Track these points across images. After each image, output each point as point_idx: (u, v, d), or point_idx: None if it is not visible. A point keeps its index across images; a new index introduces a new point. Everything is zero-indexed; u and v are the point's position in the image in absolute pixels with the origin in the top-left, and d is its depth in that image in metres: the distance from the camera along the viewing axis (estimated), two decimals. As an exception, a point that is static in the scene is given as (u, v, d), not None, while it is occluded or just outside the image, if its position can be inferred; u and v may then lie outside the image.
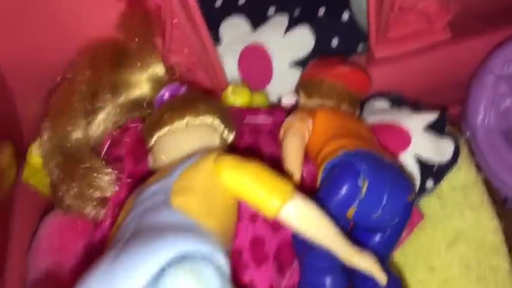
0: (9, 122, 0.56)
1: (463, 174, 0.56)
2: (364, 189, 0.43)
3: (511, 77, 0.61)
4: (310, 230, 0.39)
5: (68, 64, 0.51)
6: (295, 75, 0.65)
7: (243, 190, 0.38)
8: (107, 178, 0.47)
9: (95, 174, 0.47)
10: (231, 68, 0.64)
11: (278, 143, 0.52)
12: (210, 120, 0.47)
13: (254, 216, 0.47)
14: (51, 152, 0.49)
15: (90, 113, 0.50)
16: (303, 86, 0.59)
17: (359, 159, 0.44)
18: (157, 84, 0.51)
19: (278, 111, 0.57)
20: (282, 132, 0.51)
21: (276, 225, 0.47)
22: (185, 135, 0.46)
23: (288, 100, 0.62)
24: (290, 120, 0.51)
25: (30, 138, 0.56)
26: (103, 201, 0.47)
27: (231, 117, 0.50)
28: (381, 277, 0.40)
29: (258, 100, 0.62)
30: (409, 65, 0.64)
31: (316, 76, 0.58)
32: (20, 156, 0.56)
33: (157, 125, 0.46)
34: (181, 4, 0.49)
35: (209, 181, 0.38)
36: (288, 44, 0.65)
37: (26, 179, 0.55)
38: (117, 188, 0.47)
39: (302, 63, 0.65)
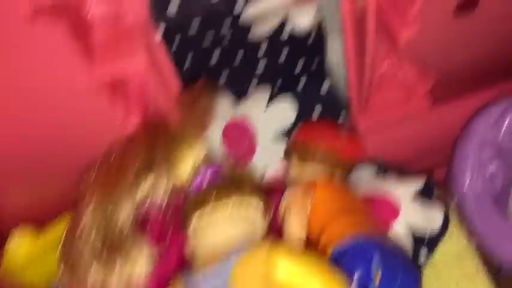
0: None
1: (455, 242, 0.55)
2: (377, 281, 0.42)
3: (494, 141, 0.62)
4: None
5: (115, 142, 0.50)
6: (279, 147, 0.65)
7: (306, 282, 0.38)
8: (139, 268, 0.46)
9: (131, 258, 0.46)
10: (215, 143, 0.64)
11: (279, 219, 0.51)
12: (256, 202, 0.47)
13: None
14: (93, 224, 0.47)
15: (139, 190, 0.49)
16: (295, 151, 0.59)
17: (372, 248, 0.43)
18: (198, 167, 0.51)
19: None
20: (283, 207, 0.50)
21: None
22: (229, 218, 0.45)
23: (277, 169, 0.62)
24: (291, 195, 0.50)
25: (10, 228, 0.54)
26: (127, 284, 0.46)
27: (271, 200, 0.50)
28: None
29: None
30: (392, 132, 0.65)
31: (311, 142, 0.58)
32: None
33: (201, 205, 0.46)
34: (160, 81, 0.49)
35: (265, 280, 0.38)
36: (270, 116, 0.65)
37: (5, 271, 0.53)
38: (148, 277, 0.46)
39: (285, 134, 0.65)
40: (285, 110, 0.65)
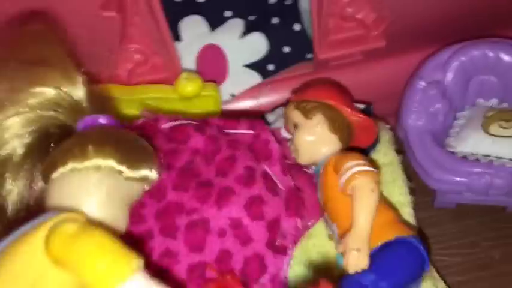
0: None
1: (382, 155, 0.61)
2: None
3: (439, 83, 0.67)
4: None
5: None
6: (248, 76, 0.72)
7: (79, 265, 0.32)
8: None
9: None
10: (189, 65, 0.71)
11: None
12: (99, 163, 0.40)
13: (222, 231, 0.51)
14: None
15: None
16: (321, 111, 0.58)
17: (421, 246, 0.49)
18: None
19: (259, 124, 0.60)
20: (349, 184, 0.49)
21: (245, 240, 0.51)
22: (76, 180, 0.40)
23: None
24: (358, 170, 0.50)
25: None
26: None
27: (148, 153, 0.44)
28: None
29: (209, 91, 0.68)
30: (349, 71, 0.70)
31: (341, 111, 0.57)
32: None
33: (53, 164, 0.41)
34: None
35: (36, 269, 0.34)
36: (243, 47, 0.73)
37: None
38: None
39: (255, 66, 0.72)
40: (258, 44, 0.73)
